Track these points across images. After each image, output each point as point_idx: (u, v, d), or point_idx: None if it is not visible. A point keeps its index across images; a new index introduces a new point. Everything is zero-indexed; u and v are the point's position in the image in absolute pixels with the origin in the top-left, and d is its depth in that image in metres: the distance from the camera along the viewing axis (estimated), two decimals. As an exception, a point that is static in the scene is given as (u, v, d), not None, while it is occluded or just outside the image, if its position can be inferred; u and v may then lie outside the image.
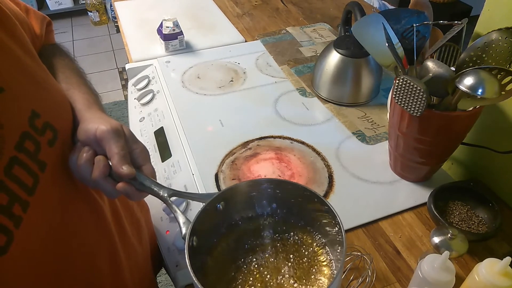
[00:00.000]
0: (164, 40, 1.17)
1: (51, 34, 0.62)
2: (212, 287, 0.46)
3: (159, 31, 1.19)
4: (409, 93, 0.64)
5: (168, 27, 1.15)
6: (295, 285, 0.46)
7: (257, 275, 0.47)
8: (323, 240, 0.51)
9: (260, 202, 0.53)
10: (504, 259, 0.50)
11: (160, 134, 0.93)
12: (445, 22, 0.71)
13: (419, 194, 0.78)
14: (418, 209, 0.76)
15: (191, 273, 0.40)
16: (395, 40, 0.71)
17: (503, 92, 0.60)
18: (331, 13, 1.45)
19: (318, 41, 1.27)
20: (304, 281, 0.46)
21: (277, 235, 0.52)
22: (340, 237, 0.46)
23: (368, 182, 0.81)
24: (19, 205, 0.38)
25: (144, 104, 1.04)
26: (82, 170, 0.46)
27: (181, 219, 0.46)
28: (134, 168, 0.48)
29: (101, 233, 0.54)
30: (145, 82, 1.10)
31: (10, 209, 0.37)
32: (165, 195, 0.49)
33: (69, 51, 0.63)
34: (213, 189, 0.79)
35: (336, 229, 0.47)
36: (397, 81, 0.65)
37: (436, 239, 0.61)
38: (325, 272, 0.48)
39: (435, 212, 0.70)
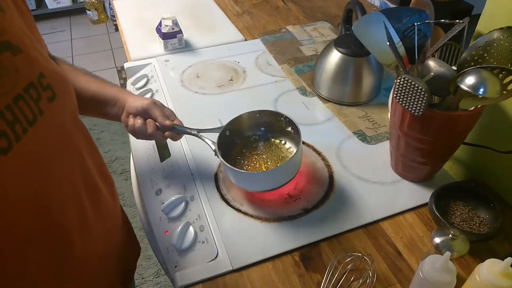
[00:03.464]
0: (163, 39, 1.17)
1: None
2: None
3: (158, 29, 1.19)
4: (411, 92, 0.64)
5: (167, 25, 1.15)
6: (276, 164, 0.80)
7: (254, 161, 0.81)
8: (289, 141, 0.84)
9: (252, 126, 0.83)
10: (505, 259, 0.50)
11: (159, 134, 0.93)
12: (447, 21, 0.71)
13: (420, 194, 0.78)
14: (419, 210, 0.76)
15: (224, 163, 0.72)
16: (396, 39, 0.71)
17: (504, 92, 0.60)
18: (332, 11, 1.45)
19: (319, 40, 1.27)
20: (278, 161, 0.81)
21: (263, 142, 0.84)
22: (297, 136, 0.77)
23: (369, 182, 0.81)
24: (20, 127, 0.45)
25: (143, 103, 1.04)
26: (140, 130, 0.73)
27: (210, 141, 0.75)
28: None
29: (72, 187, 0.58)
30: (144, 81, 1.09)
31: (13, 126, 0.45)
32: (195, 132, 0.77)
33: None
34: (213, 189, 0.79)
35: (295, 129, 0.79)
36: (398, 81, 0.65)
37: (437, 240, 0.61)
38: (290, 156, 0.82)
39: (436, 213, 0.69)
